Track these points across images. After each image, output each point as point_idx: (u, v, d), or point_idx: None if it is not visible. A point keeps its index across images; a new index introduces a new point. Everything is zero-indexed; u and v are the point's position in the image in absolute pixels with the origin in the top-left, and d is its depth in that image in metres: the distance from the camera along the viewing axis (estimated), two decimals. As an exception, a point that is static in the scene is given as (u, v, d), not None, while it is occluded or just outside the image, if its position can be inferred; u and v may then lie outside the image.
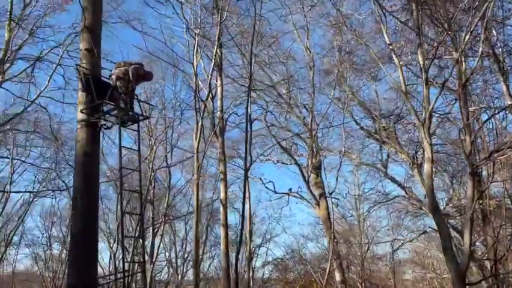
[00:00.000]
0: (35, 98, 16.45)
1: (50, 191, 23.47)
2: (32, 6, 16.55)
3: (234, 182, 24.53)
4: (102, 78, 7.96)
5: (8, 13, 15.63)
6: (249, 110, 13.29)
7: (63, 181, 21.76)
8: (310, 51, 17.76)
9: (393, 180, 16.72)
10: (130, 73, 7.78)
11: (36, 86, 16.56)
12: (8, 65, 15.88)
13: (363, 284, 25.48)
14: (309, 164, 17.20)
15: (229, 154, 19.79)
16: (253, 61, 14.97)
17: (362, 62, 16.79)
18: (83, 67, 7.74)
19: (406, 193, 16.32)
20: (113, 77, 7.79)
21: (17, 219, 25.42)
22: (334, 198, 16.24)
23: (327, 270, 15.35)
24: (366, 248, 25.22)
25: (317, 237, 27.81)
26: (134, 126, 8.08)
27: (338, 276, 16.29)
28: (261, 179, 18.78)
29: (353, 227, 26.78)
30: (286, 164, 18.93)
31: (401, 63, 12.43)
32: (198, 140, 14.74)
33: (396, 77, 12.91)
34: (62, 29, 17.22)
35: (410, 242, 20.97)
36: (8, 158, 22.56)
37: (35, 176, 24.95)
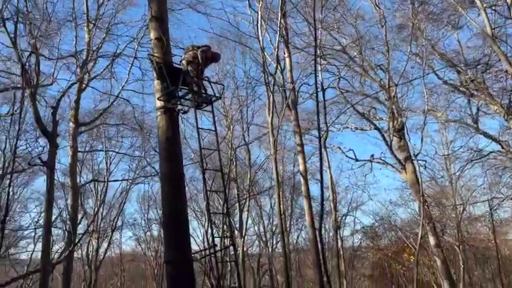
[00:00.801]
0: (119, 93, 17.80)
1: (143, 177, 25.60)
2: (105, 6, 17.71)
3: (313, 153, 24.50)
4: (174, 64, 8.29)
5: (85, 15, 16.90)
6: (319, 78, 12.97)
7: (153, 167, 23.46)
8: (379, 8, 16.75)
9: (486, 135, 15.50)
10: (198, 56, 8.00)
11: (118, 80, 17.98)
12: (91, 64, 17.20)
13: (460, 246, 24.24)
14: (391, 127, 16.50)
15: (304, 126, 19.67)
16: (318, 26, 14.51)
17: (439, 10, 15.50)
18: (155, 56, 8.09)
19: (502, 147, 15.06)
20: (184, 62, 8.08)
21: (118, 206, 27.88)
22: (421, 160, 15.49)
23: (420, 234, 14.80)
24: (461, 209, 23.84)
25: (406, 202, 26.86)
26: (209, 108, 8.34)
27: (432, 240, 15.66)
28: (340, 148, 18.47)
29: (444, 189, 25.39)
30: (366, 130, 18.38)
31: (484, 5, 11.21)
32: (271, 115, 14.82)
33: (480, 21, 11.72)
34: (134, 23, 18.19)
35: (512, 199, 19.44)
36: (103, 151, 24.91)
37: (129, 165, 27.24)
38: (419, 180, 15.46)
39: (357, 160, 17.69)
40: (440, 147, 24.94)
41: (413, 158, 15.69)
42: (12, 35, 13.00)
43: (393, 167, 16.85)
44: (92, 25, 17.00)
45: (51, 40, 15.82)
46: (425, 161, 17.98)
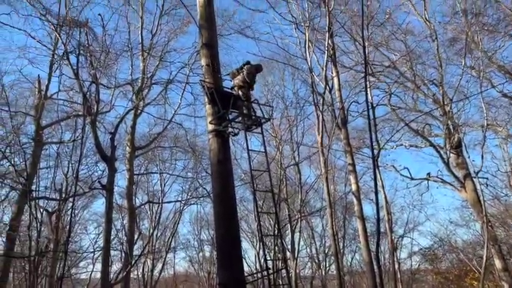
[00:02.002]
0: (172, 117, 18.53)
1: (195, 198, 26.15)
2: (158, 35, 18.69)
3: (365, 172, 23.94)
4: (224, 89, 8.54)
5: (140, 45, 17.90)
6: (368, 95, 12.78)
7: (204, 188, 23.96)
8: (429, 22, 16.34)
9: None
10: (245, 78, 8.24)
11: (171, 105, 18.75)
12: (145, 91, 18.08)
13: (533, 271, 22.30)
14: (447, 143, 15.81)
15: (355, 144, 19.31)
16: (366, 44, 14.39)
17: (494, 21, 14.87)
18: (206, 82, 8.38)
19: None
20: (236, 88, 8.33)
21: (171, 227, 28.54)
22: (482, 178, 14.66)
23: (484, 257, 13.88)
24: (530, 230, 22.12)
25: (467, 222, 25.35)
26: (259, 130, 8.46)
27: (498, 264, 14.61)
28: (393, 167, 17.90)
29: (509, 208, 23.71)
30: (421, 148, 17.72)
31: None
32: (320, 135, 14.73)
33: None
34: (185, 50, 19.12)
35: None
36: (158, 173, 25.78)
37: (182, 187, 27.92)
38: (481, 199, 14.60)
39: (412, 179, 17.06)
40: (502, 163, 23.48)
41: (473, 176, 14.88)
42: (74, 67, 13.97)
43: (451, 185, 16.06)
44: (146, 54, 17.92)
45: (109, 70, 16.86)
46: (487, 179, 16.95)
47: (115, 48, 17.12)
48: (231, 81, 8.59)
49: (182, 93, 17.99)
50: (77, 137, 19.28)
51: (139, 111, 17.61)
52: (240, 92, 8.25)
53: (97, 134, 14.28)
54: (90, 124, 14.20)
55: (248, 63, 8.60)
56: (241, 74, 8.42)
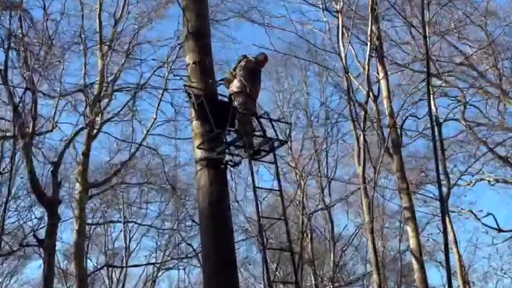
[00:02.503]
0: (143, 139, 18.52)
1: (176, 261, 25.86)
2: (124, 21, 18.94)
3: (429, 221, 23.69)
4: (220, 98, 8.59)
5: (98, 35, 18.07)
6: (433, 106, 12.76)
7: (190, 245, 23.83)
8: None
9: None
10: (242, 80, 8.31)
11: (141, 122, 18.83)
12: (105, 101, 18.19)
13: None
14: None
15: (414, 179, 19.19)
16: (428, 31, 14.48)
17: None
18: (193, 87, 8.41)
19: None
20: (233, 96, 8.37)
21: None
22: None
23: None
24: None
25: None
26: (271, 157, 8.45)
27: None
28: (472, 212, 17.74)
29: None
30: None
31: None
32: (362, 164, 14.68)
33: None
34: (163, 42, 19.14)
35: None
36: (121, 222, 25.52)
37: (156, 242, 27.73)
38: None
39: (500, 230, 16.85)
40: None
41: None
42: (1, 67, 14.07)
43: None
44: (107, 48, 18.15)
45: (52, 71, 17.06)
46: None
47: (61, 39, 17.39)
48: (228, 88, 8.64)
49: (158, 105, 18.15)
50: (4, 169, 19.35)
51: (95, 130, 17.69)
52: (238, 101, 8.29)
53: (33, 164, 14.30)
54: (23, 150, 14.24)
55: (245, 57, 8.68)
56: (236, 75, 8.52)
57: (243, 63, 8.57)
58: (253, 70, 8.60)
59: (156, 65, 18.68)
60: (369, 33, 15.27)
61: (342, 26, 15.67)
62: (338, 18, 15.89)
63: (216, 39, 20.92)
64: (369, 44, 15.23)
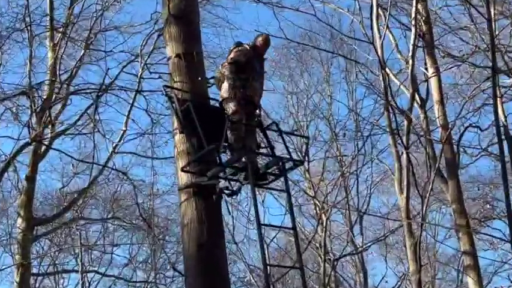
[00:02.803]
0: (108, 159, 18.50)
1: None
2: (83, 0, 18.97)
3: (496, 269, 23.56)
4: (211, 103, 8.65)
5: (48, 19, 18.08)
6: (500, 114, 12.65)
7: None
8: None
9: None
10: (230, 80, 8.26)
11: (106, 136, 18.76)
12: (57, 107, 18.21)
13: None
14: None
15: (477, 213, 19.08)
16: (493, 12, 14.45)
17: None
18: (175, 88, 8.44)
19: None
20: (223, 103, 8.36)
21: None
22: None
23: None
24: None
25: None
26: (281, 183, 8.41)
27: None
28: None
29: None
30: None
31: None
32: (405, 192, 14.62)
33: None
34: (136, 28, 19.14)
35: None
36: (78, 272, 25.39)
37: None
38: None
39: None
40: None
41: None
42: None
43: None
44: (60, 35, 18.18)
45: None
46: None
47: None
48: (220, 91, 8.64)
49: (128, 112, 18.15)
50: None
51: (43, 147, 17.67)
52: (228, 107, 8.27)
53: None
54: None
55: (239, 45, 8.64)
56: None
57: (231, 55, 8.53)
58: (248, 62, 8.53)
59: (126, 59, 18.81)
60: (413, 14, 15.27)
61: (378, 5, 15.68)
62: (371, -5, 15.93)
63: (207, 23, 21.04)
64: (414, 29, 15.23)
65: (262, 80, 8.72)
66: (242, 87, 8.26)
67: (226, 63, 8.41)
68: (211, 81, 8.84)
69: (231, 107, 8.21)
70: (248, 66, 8.40)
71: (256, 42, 8.67)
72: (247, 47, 8.57)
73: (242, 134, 8.21)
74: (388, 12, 16.06)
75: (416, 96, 15.47)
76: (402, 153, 14.98)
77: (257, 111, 8.58)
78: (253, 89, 8.40)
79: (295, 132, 21.63)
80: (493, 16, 14.76)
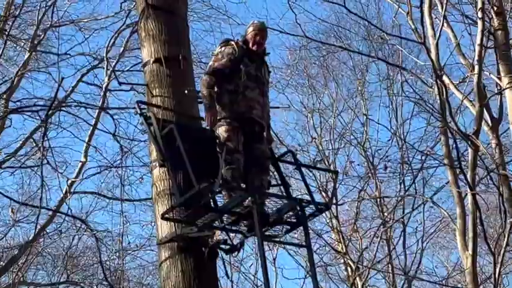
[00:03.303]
0: (61, 201, 18.53)
1: None
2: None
3: None
4: (203, 124, 8.68)
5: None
6: None
7: None
8: None
9: None
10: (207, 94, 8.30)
11: (59, 170, 18.83)
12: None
13: None
14: None
15: None
16: None
17: None
18: (153, 105, 8.52)
19: None
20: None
21: None
22: None
23: None
24: None
25: None
26: (299, 234, 8.43)
27: None
28: None
29: None
30: None
31: None
32: (471, 250, 14.64)
33: None
34: (101, 21, 19.28)
35: None
36: None
37: None
38: None
39: None
40: None
41: None
42: None
43: None
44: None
45: None
46: None
47: None
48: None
49: (89, 138, 18.24)
50: None
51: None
52: (219, 133, 8.30)
53: None
54: None
55: (225, 43, 8.63)
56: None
57: (210, 62, 8.58)
58: (235, 66, 8.51)
59: (87, 65, 18.93)
60: (480, 4, 15.36)
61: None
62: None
63: (198, 16, 21.18)
64: (481, 23, 15.31)
65: (263, 86, 8.64)
66: (230, 103, 8.34)
67: (203, 76, 8.50)
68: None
69: (221, 133, 8.27)
70: (236, 73, 8.43)
71: (246, 35, 8.66)
72: (235, 45, 8.54)
73: (241, 168, 8.24)
74: (445, 3, 16.16)
75: (485, 115, 15.51)
76: (467, 194, 15.00)
77: (264, 133, 8.62)
78: (248, 102, 8.36)
79: (318, 165, 21.71)
80: None
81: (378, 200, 24.32)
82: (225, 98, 8.27)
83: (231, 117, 8.27)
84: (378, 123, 25.71)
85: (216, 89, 8.32)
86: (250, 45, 8.52)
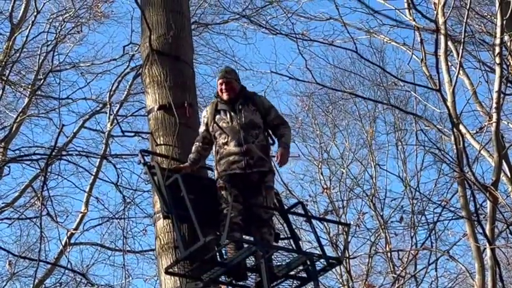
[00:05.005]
0: (60, 253, 18.43)
1: None
2: (29, 25, 19.18)
3: None
4: (211, 175, 8.73)
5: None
6: None
7: None
8: None
9: None
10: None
11: (59, 221, 18.73)
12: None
13: None
14: None
15: None
16: None
17: None
18: (157, 154, 8.52)
19: None
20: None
21: None
22: None
23: None
24: None
25: None
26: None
27: None
28: None
29: None
30: None
31: None
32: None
33: None
34: (103, 65, 19.30)
35: None
36: None
37: None
38: None
39: None
40: None
41: None
42: None
43: None
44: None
45: None
46: None
47: None
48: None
49: (91, 187, 18.21)
50: None
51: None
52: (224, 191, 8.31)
53: None
54: None
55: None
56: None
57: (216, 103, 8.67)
58: (210, 123, 8.53)
59: (89, 111, 18.93)
60: (497, 50, 15.37)
61: (447, 35, 15.79)
62: (436, 21, 16.02)
63: (204, 59, 21.18)
64: (498, 69, 15.30)
65: (243, 132, 8.43)
66: (216, 163, 8.45)
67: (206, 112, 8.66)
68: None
69: (219, 183, 8.33)
70: (214, 125, 8.49)
71: (218, 84, 8.69)
72: (210, 105, 8.70)
73: (238, 220, 8.18)
74: (461, 47, 16.13)
75: (504, 165, 15.47)
76: (485, 248, 14.90)
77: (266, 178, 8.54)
78: (227, 157, 8.36)
79: (329, 216, 21.60)
80: None
81: (389, 254, 24.19)
82: (216, 158, 8.42)
83: (219, 177, 8.38)
84: (390, 173, 25.68)
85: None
86: (221, 96, 8.57)
